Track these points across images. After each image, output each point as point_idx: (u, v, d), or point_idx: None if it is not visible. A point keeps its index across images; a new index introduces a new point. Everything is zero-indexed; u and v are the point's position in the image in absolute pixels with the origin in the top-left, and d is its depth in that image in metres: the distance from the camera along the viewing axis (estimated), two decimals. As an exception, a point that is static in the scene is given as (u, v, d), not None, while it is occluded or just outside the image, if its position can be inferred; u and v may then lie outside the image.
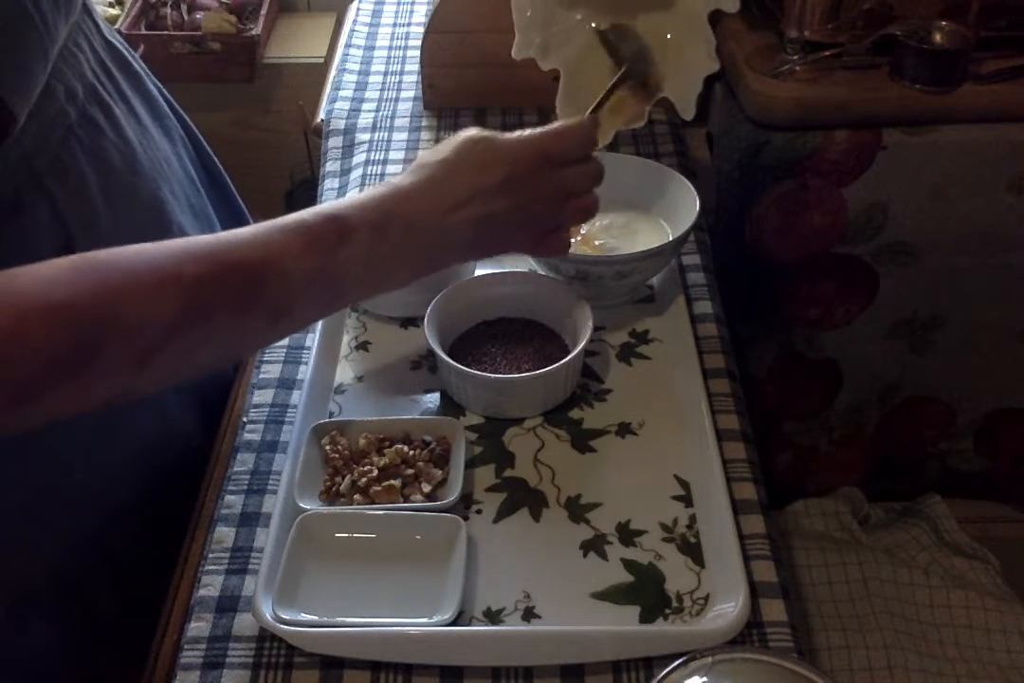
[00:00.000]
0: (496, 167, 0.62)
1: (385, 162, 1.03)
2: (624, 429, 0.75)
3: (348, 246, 0.57)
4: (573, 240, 0.84)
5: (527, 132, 0.65)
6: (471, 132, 0.64)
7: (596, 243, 0.84)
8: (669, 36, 0.76)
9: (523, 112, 1.09)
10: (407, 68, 1.20)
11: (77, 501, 0.71)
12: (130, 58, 0.80)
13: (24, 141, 0.63)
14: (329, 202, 0.59)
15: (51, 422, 0.51)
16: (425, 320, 0.76)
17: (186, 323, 0.51)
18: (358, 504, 0.69)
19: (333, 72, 1.21)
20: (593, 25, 0.77)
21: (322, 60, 1.81)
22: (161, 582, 0.73)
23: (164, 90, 0.87)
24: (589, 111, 0.71)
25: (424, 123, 1.10)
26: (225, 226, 0.90)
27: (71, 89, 0.68)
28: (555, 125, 0.66)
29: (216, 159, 0.95)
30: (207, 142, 0.93)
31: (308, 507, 0.68)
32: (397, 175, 0.63)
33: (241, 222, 0.97)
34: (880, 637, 1.07)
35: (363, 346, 0.83)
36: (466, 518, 0.68)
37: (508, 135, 0.64)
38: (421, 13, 1.31)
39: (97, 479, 0.72)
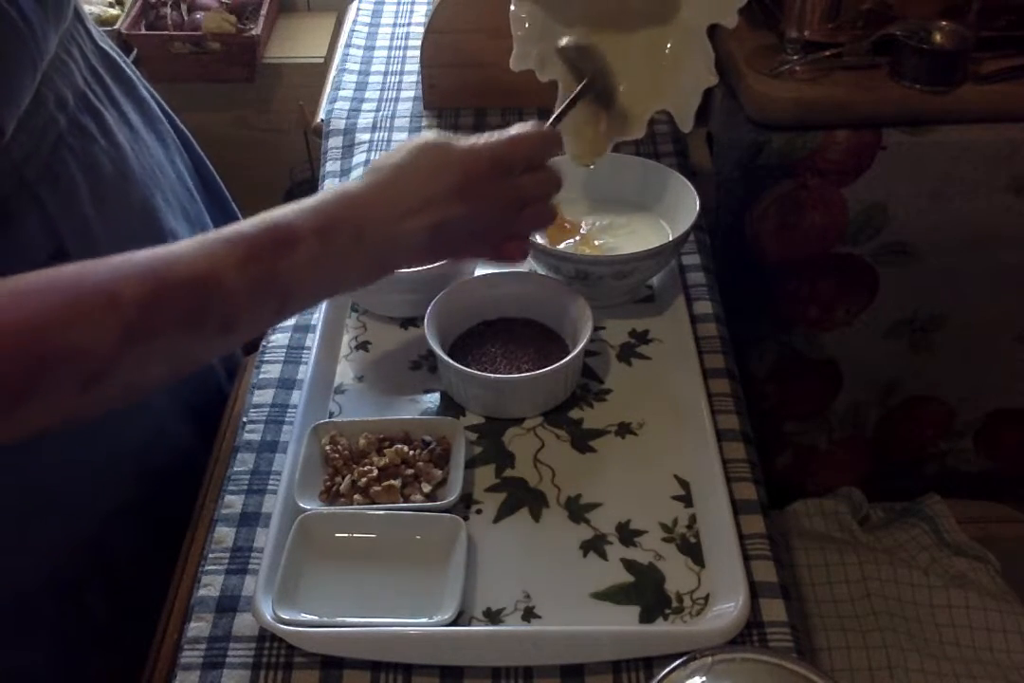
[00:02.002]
0: (450, 173, 0.61)
1: (385, 162, 1.03)
2: (624, 429, 0.75)
3: (292, 253, 0.56)
4: (572, 240, 0.85)
5: (483, 138, 0.64)
6: (428, 136, 0.63)
7: (596, 243, 0.84)
8: (668, 48, 0.76)
9: (523, 112, 1.09)
10: (407, 68, 1.20)
11: (72, 505, 0.71)
12: (122, 64, 0.80)
13: (13, 150, 0.62)
14: (275, 209, 0.58)
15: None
16: (425, 320, 0.76)
17: (130, 344, 0.50)
18: (358, 504, 0.69)
19: (333, 72, 1.21)
20: (560, 43, 0.77)
21: (322, 60, 1.81)
22: (157, 585, 0.73)
23: (157, 95, 0.86)
24: (549, 123, 0.70)
25: (424, 123, 1.09)
26: None
27: (61, 97, 0.68)
28: (511, 131, 0.65)
29: (210, 164, 0.94)
30: (207, 142, 0.93)
31: (308, 507, 0.68)
32: (349, 180, 0.62)
33: None
34: (880, 637, 1.07)
35: (363, 346, 0.83)
36: (466, 518, 0.68)
37: (464, 140, 0.63)
38: (421, 13, 1.31)
39: (92, 483, 0.72)
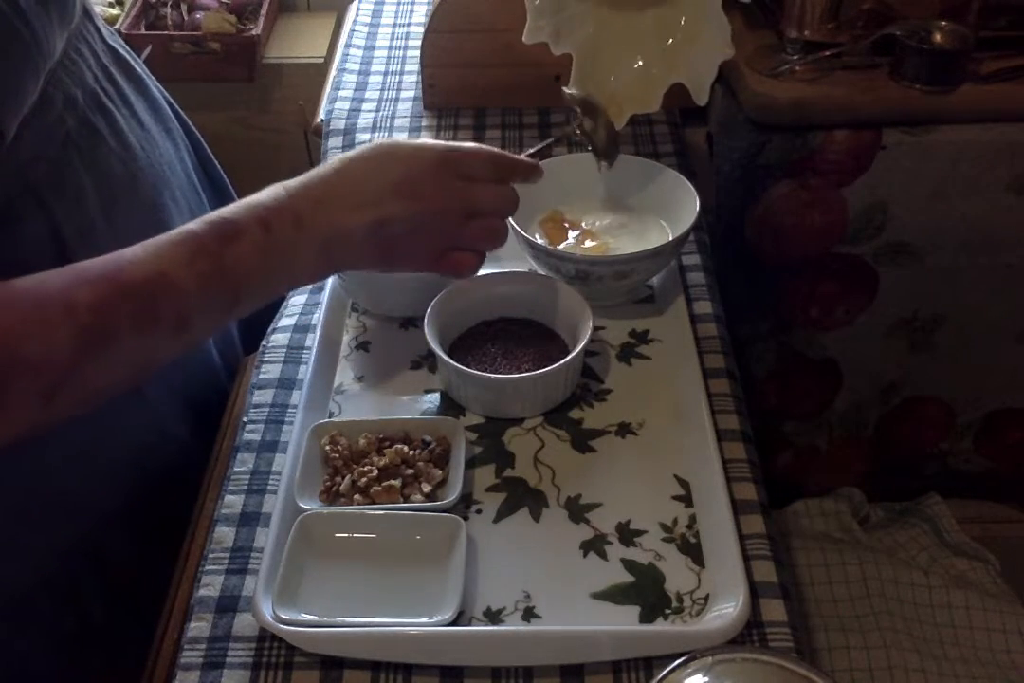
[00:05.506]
0: (392, 166, 0.62)
1: (385, 162, 1.03)
2: (624, 429, 0.75)
3: (235, 245, 0.56)
4: (572, 239, 0.85)
5: (439, 141, 0.64)
6: (383, 139, 0.64)
7: (596, 243, 0.84)
8: (683, 22, 0.76)
9: (523, 112, 1.09)
10: (407, 68, 1.20)
11: (70, 506, 0.71)
12: (132, 62, 0.79)
13: (19, 150, 0.62)
14: (221, 208, 0.59)
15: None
16: (425, 320, 0.76)
17: (88, 350, 0.51)
18: (358, 504, 0.69)
19: (333, 72, 1.21)
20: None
21: (322, 60, 1.81)
22: (156, 585, 0.73)
23: (167, 93, 0.86)
24: (526, 154, 0.70)
25: (424, 123, 1.09)
26: None
27: (70, 96, 0.67)
28: (472, 143, 0.65)
29: (217, 163, 0.94)
30: (207, 142, 0.93)
31: (308, 507, 0.68)
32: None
33: None
34: (880, 637, 1.07)
35: (363, 346, 0.83)
36: (466, 518, 0.68)
37: (415, 140, 0.64)
38: (421, 13, 1.31)
39: (90, 484, 0.72)
